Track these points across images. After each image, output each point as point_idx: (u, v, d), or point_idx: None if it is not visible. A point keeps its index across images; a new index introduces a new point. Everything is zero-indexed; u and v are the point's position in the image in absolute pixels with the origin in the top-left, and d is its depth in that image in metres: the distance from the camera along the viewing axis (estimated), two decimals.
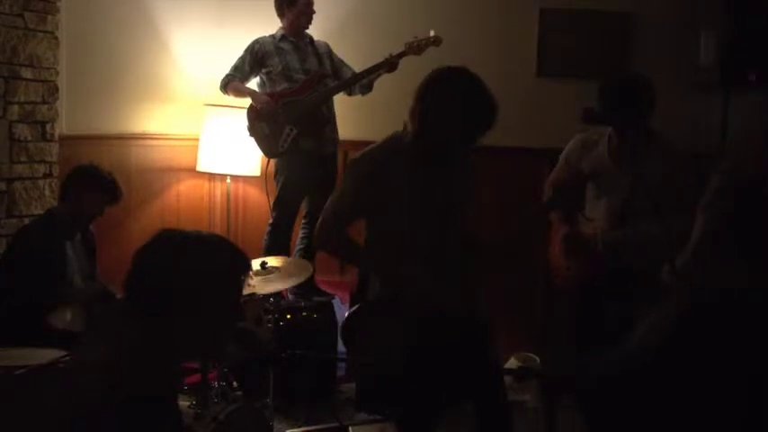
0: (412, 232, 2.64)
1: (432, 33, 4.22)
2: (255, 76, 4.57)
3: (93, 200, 3.60)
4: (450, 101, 2.58)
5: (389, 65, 4.29)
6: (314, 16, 4.55)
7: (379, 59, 4.31)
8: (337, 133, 4.60)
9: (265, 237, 4.56)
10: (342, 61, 4.62)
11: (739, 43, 3.94)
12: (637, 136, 3.28)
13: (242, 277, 1.71)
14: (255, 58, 4.51)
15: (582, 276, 3.40)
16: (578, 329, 3.46)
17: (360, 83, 4.45)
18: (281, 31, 4.54)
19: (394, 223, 2.65)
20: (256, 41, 4.53)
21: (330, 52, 4.62)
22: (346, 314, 2.83)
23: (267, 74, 4.51)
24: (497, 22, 4.80)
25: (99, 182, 3.60)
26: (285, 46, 4.51)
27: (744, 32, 3.94)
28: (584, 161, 3.41)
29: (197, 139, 4.95)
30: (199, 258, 1.65)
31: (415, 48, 4.23)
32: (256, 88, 4.57)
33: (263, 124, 4.46)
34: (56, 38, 4.33)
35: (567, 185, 3.18)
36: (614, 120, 3.22)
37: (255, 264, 3.72)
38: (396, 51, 4.28)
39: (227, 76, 4.53)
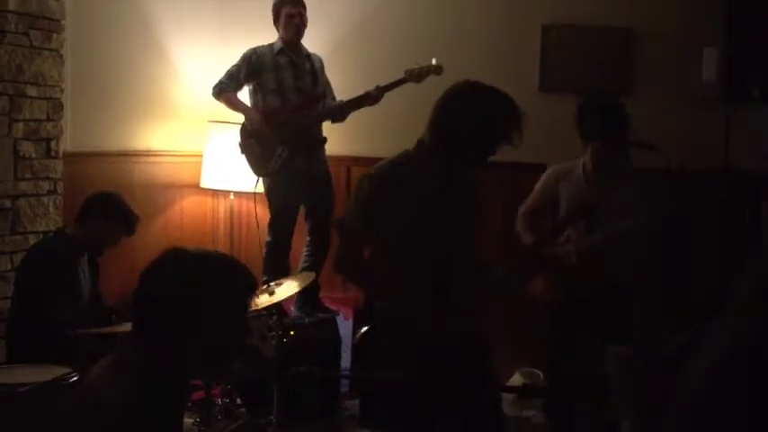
0: (419, 251, 2.63)
1: (433, 62, 4.24)
2: (249, 85, 4.58)
3: (114, 231, 3.61)
4: (469, 115, 2.59)
5: (372, 99, 4.33)
6: (316, 33, 4.57)
7: (375, 81, 4.34)
8: (325, 154, 4.60)
9: (264, 255, 4.56)
10: (327, 83, 4.62)
11: (742, 58, 3.95)
12: (615, 154, 3.39)
13: (248, 295, 1.71)
14: (251, 69, 4.51)
15: (557, 295, 3.48)
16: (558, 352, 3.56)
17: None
18: (280, 43, 4.55)
19: (401, 241, 2.64)
20: (254, 52, 4.53)
21: (322, 69, 4.63)
22: (361, 332, 2.83)
23: (260, 86, 4.52)
24: (499, 37, 4.82)
25: (123, 214, 3.62)
26: (282, 61, 4.51)
27: (746, 47, 3.95)
28: (561, 188, 3.56)
29: (200, 156, 4.97)
30: (206, 277, 1.65)
31: (416, 75, 4.25)
32: (248, 96, 4.58)
33: (254, 143, 4.47)
34: (61, 56, 4.35)
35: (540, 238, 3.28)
36: (599, 137, 3.33)
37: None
38: (384, 83, 4.30)
39: (222, 83, 4.53)
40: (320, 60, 4.63)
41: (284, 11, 4.48)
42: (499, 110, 2.61)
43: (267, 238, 4.57)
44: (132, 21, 4.84)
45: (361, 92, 4.44)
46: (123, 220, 3.62)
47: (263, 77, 4.50)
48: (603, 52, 4.72)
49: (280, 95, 4.48)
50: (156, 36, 4.94)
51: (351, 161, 4.88)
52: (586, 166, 3.54)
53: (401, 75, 4.33)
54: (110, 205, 3.61)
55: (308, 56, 4.59)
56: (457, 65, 4.47)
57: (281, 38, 4.53)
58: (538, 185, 3.72)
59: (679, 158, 3.59)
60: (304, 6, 4.52)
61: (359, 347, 2.84)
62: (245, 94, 4.62)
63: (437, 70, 4.24)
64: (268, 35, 4.62)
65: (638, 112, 4.40)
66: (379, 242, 2.71)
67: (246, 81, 4.54)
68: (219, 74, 4.60)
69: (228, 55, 4.72)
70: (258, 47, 4.55)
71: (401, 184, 2.63)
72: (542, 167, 4.54)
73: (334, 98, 4.59)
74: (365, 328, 2.78)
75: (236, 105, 4.54)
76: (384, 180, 2.66)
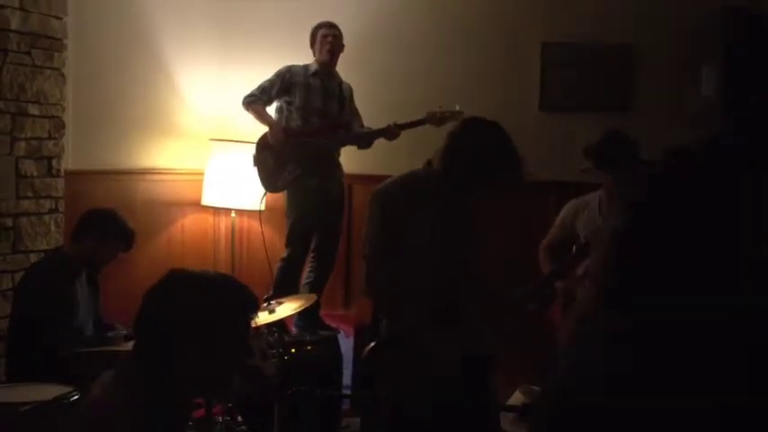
0: (424, 270, 2.64)
1: (457, 108, 4.21)
2: (279, 101, 4.61)
3: (110, 248, 3.58)
4: (478, 151, 2.62)
5: (391, 134, 4.37)
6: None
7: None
8: (343, 177, 4.63)
9: (277, 271, 4.56)
10: (356, 111, 4.66)
11: (741, 74, 3.97)
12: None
13: (250, 316, 1.72)
14: (283, 86, 4.54)
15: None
16: None
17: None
18: (315, 65, 4.58)
19: (406, 260, 2.64)
20: (288, 70, 4.56)
21: (351, 97, 4.66)
22: (367, 349, 2.82)
23: (288, 103, 4.56)
24: (499, 55, 4.84)
25: (118, 231, 3.58)
26: (314, 83, 4.54)
27: (745, 64, 3.97)
28: (578, 222, 3.63)
29: (202, 174, 4.98)
30: (208, 299, 1.66)
31: (438, 119, 4.24)
32: (274, 112, 4.61)
33: (268, 156, 4.49)
34: (62, 74, 4.37)
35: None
36: (613, 170, 3.38)
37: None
38: (405, 120, 4.34)
39: (254, 96, 4.54)
40: (350, 89, 4.67)
41: (320, 33, 4.53)
42: (504, 157, 2.63)
43: (283, 255, 4.57)
44: (134, 40, 4.87)
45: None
46: (119, 237, 3.58)
47: (293, 94, 4.53)
48: (604, 70, 4.74)
49: (304, 116, 4.51)
50: (157, 55, 4.97)
51: (352, 179, 4.89)
52: (602, 200, 3.61)
53: (398, 97, 4.36)
54: (103, 222, 3.55)
55: (341, 84, 4.63)
56: (457, 85, 4.50)
57: (316, 60, 4.57)
58: (557, 220, 3.82)
59: None
60: (340, 31, 4.56)
61: (366, 362, 2.83)
62: (271, 110, 4.65)
63: (459, 117, 4.13)
64: (270, 56, 4.65)
65: (637, 128, 4.44)
66: (391, 263, 2.70)
67: (277, 97, 4.57)
68: (222, 92, 4.64)
69: (230, 74, 4.75)
70: (293, 65, 4.58)
71: (405, 207, 2.64)
72: (543, 185, 4.57)
73: (362, 125, 4.62)
74: (373, 344, 2.77)
75: (263, 118, 4.56)
76: (387, 202, 2.68)
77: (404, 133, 4.43)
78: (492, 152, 2.62)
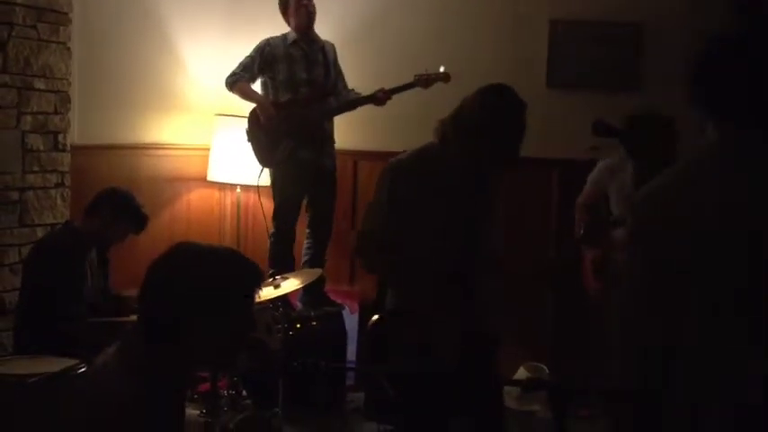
0: (438, 244, 2.63)
1: (441, 69, 4.27)
2: (262, 77, 4.59)
3: (123, 228, 3.62)
4: (490, 117, 2.59)
5: (378, 101, 4.35)
6: (325, 17, 4.55)
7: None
8: (334, 149, 4.61)
9: (269, 248, 4.57)
10: (340, 72, 4.61)
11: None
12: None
13: (255, 289, 1.73)
14: (264, 60, 4.51)
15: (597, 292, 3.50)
16: None
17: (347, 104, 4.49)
18: (293, 35, 4.54)
19: (421, 234, 2.64)
20: (267, 43, 4.53)
21: (335, 59, 4.62)
22: (372, 319, 2.83)
23: (271, 79, 4.53)
24: (507, 33, 4.81)
25: (133, 212, 3.63)
26: (294, 52, 4.51)
27: (756, 41, 3.93)
28: (612, 185, 3.55)
29: (207, 149, 4.97)
30: (213, 271, 1.66)
31: (424, 81, 4.29)
32: (260, 88, 4.59)
33: (261, 132, 4.48)
34: (68, 49, 4.36)
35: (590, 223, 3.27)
36: (640, 153, 3.27)
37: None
38: (393, 85, 4.32)
39: (236, 74, 4.53)
40: (333, 49, 4.62)
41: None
42: (515, 115, 2.61)
43: (271, 230, 4.58)
44: (139, 13, 4.84)
45: (366, 86, 4.47)
46: (133, 218, 3.63)
47: (276, 69, 4.50)
48: (612, 47, 4.70)
49: (291, 88, 4.48)
50: (163, 29, 4.94)
51: (358, 155, 4.89)
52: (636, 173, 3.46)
53: (407, 72, 4.34)
54: (121, 202, 3.61)
55: (323, 47, 4.58)
56: (465, 63, 4.47)
57: (293, 27, 4.53)
58: (591, 177, 3.74)
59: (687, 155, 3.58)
60: None
61: (372, 334, 2.83)
62: (256, 88, 4.62)
63: (445, 78, 4.26)
64: (275, 29, 4.62)
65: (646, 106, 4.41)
66: (402, 235, 2.68)
67: (260, 72, 4.54)
68: (227, 67, 4.61)
69: (236, 48, 4.72)
70: (271, 38, 4.55)
71: (423, 179, 2.63)
72: (551, 162, 4.57)
73: (345, 87, 4.58)
74: (376, 317, 2.78)
75: (249, 95, 4.54)
76: (406, 174, 2.66)
77: (412, 109, 4.42)
78: (502, 120, 2.58)
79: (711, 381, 1.55)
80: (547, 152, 4.42)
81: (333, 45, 4.62)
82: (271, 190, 4.62)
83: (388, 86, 4.38)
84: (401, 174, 2.67)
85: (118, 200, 3.62)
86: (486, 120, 2.56)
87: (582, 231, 3.53)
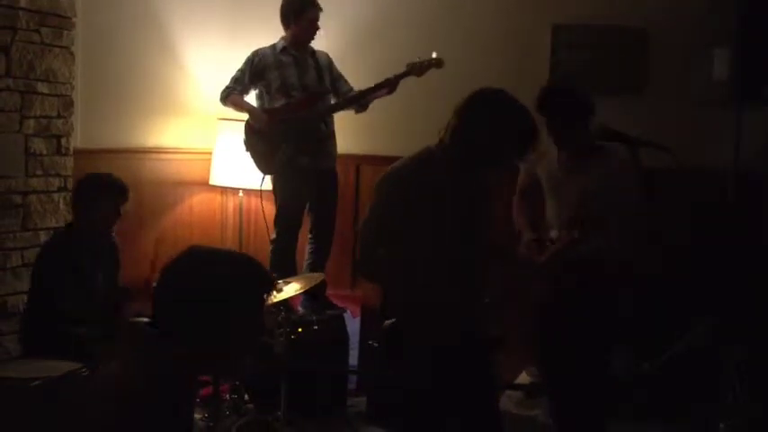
0: (439, 246, 2.63)
1: (434, 55, 4.23)
2: (255, 88, 4.59)
3: (108, 203, 3.61)
4: (489, 121, 2.59)
5: (390, 86, 4.30)
6: (322, 31, 4.56)
7: (385, 75, 4.33)
8: (336, 148, 4.60)
9: (270, 255, 4.56)
10: (340, 75, 4.61)
11: (753, 58, 3.94)
12: (573, 143, 3.32)
13: (266, 294, 1.74)
14: (255, 71, 4.53)
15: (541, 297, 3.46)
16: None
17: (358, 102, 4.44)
18: (283, 42, 4.54)
19: (422, 237, 2.64)
20: (256, 54, 4.54)
21: (330, 65, 4.61)
22: (386, 324, 2.82)
23: (265, 87, 4.53)
24: (510, 38, 4.81)
25: (108, 184, 3.63)
26: (285, 59, 4.51)
27: (758, 48, 3.94)
28: (539, 166, 3.45)
29: (210, 153, 4.98)
30: (227, 276, 1.67)
31: (417, 69, 4.24)
32: (255, 99, 4.59)
33: (258, 140, 4.48)
34: (71, 53, 4.36)
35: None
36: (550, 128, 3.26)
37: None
38: (397, 72, 4.28)
39: (228, 88, 4.56)
40: (327, 57, 4.62)
41: (309, 15, 4.46)
42: (516, 123, 2.60)
43: (272, 235, 4.58)
44: (142, 18, 4.85)
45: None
46: (110, 189, 3.61)
47: (268, 77, 4.51)
48: (615, 52, 4.70)
49: (284, 93, 4.48)
50: (166, 33, 4.96)
51: (360, 159, 4.89)
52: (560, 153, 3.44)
53: (408, 79, 4.33)
54: (92, 182, 3.62)
55: (313, 53, 4.58)
56: (467, 67, 4.47)
57: (292, 36, 4.52)
58: (522, 165, 3.60)
59: (690, 158, 3.59)
60: None
61: (387, 338, 2.80)
62: (251, 99, 4.63)
63: (438, 63, 4.22)
64: (277, 35, 4.62)
65: (649, 111, 4.41)
66: (401, 241, 2.68)
67: (252, 83, 4.55)
68: (230, 72, 4.62)
69: (238, 53, 4.73)
70: (260, 48, 4.56)
71: (421, 184, 2.63)
72: None
73: (350, 89, 4.57)
74: (389, 322, 2.75)
75: (241, 107, 4.56)
76: (403, 180, 2.66)
77: (411, 112, 4.41)
78: (499, 124, 2.59)
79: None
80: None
81: (326, 54, 4.63)
82: (266, 195, 4.63)
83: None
84: (399, 182, 2.67)
85: (88, 182, 3.64)
86: (491, 124, 2.58)
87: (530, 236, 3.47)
